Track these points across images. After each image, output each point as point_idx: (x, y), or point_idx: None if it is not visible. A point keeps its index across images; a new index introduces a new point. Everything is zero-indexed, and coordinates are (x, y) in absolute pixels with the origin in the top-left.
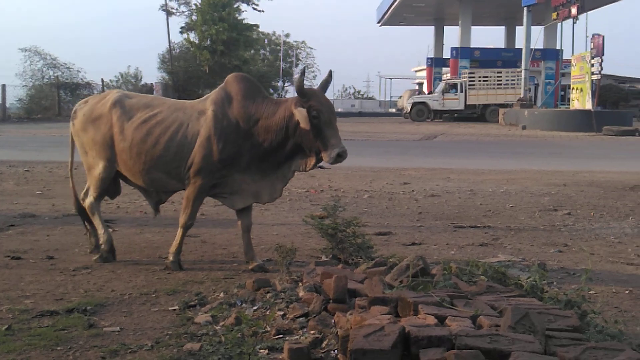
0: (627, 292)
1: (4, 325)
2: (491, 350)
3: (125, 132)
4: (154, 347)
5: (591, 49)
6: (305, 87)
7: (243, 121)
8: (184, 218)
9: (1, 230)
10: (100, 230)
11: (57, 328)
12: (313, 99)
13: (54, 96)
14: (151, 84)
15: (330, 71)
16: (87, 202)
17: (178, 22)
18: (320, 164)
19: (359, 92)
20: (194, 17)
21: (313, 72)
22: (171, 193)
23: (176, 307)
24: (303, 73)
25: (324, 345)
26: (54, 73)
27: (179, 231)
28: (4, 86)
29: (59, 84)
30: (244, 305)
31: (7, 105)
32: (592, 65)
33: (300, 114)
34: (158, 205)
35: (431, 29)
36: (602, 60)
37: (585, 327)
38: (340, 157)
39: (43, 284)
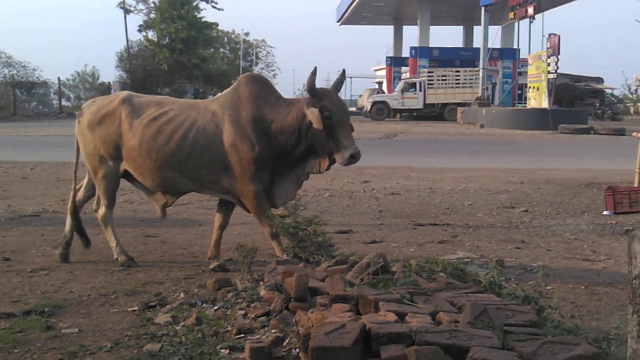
0: (582, 287)
1: None
2: (450, 346)
3: (135, 129)
4: (113, 349)
5: (547, 48)
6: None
7: (259, 122)
8: (268, 228)
9: None
10: (113, 244)
11: (14, 330)
12: (325, 99)
13: (9, 95)
14: (109, 82)
15: (344, 70)
16: (101, 213)
17: (136, 20)
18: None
19: None
20: (152, 15)
21: (273, 70)
22: (180, 194)
23: (136, 308)
24: (314, 73)
25: (285, 344)
26: (9, 72)
27: (274, 243)
28: None
29: (14, 82)
30: (204, 305)
31: None
32: (549, 65)
33: (312, 114)
34: (165, 207)
35: (390, 28)
36: (558, 60)
37: (542, 322)
38: (354, 158)
39: None
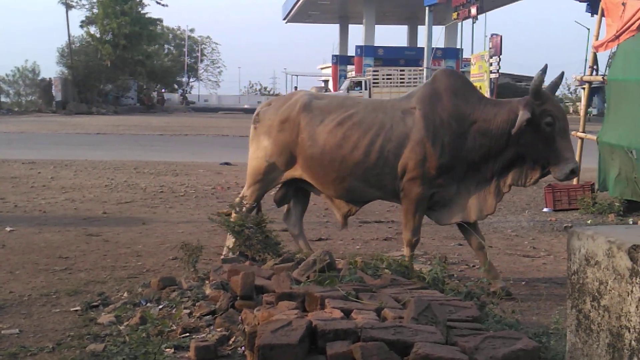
0: (523, 283)
1: None
2: (395, 341)
3: (317, 137)
4: (55, 349)
5: (490, 48)
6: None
7: (456, 122)
8: (408, 234)
9: None
10: (226, 252)
11: None
12: (548, 102)
13: None
14: (50, 78)
15: (562, 73)
16: (238, 215)
17: (78, 15)
18: (227, 161)
19: (265, 88)
20: (95, 11)
21: (219, 67)
22: (364, 203)
23: (78, 308)
24: (544, 71)
25: (231, 342)
26: None
27: (405, 250)
28: None
29: None
30: (149, 304)
31: None
32: (491, 64)
33: (521, 117)
34: (347, 217)
35: (336, 27)
36: (500, 60)
37: (484, 317)
38: (574, 173)
39: None
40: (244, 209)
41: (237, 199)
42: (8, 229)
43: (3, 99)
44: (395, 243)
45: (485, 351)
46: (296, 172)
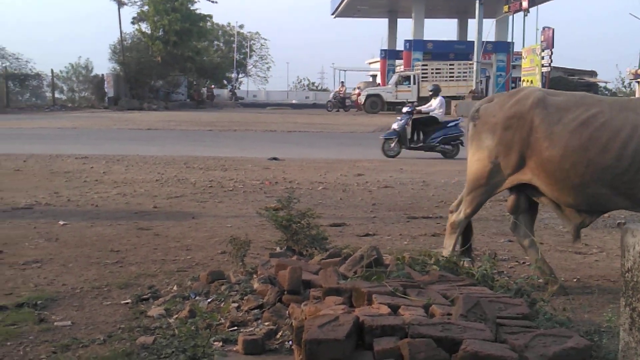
0: (575, 280)
1: None
2: (443, 338)
3: (556, 137)
4: (106, 341)
5: (541, 41)
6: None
7: None
8: None
9: None
10: (447, 250)
11: (6, 323)
12: None
13: (2, 87)
14: (102, 75)
15: None
16: (456, 218)
17: (130, 12)
18: (275, 156)
19: (313, 83)
20: (146, 8)
21: (267, 63)
22: (603, 213)
23: (129, 301)
24: None
25: (278, 336)
26: (2, 64)
27: None
28: None
29: (7, 74)
30: (197, 297)
31: None
32: (542, 58)
33: None
34: (579, 229)
35: (385, 21)
36: (552, 53)
37: (534, 315)
38: None
39: None
40: (461, 215)
41: (454, 204)
42: (61, 222)
43: (57, 95)
44: (444, 239)
45: (535, 349)
46: (525, 175)
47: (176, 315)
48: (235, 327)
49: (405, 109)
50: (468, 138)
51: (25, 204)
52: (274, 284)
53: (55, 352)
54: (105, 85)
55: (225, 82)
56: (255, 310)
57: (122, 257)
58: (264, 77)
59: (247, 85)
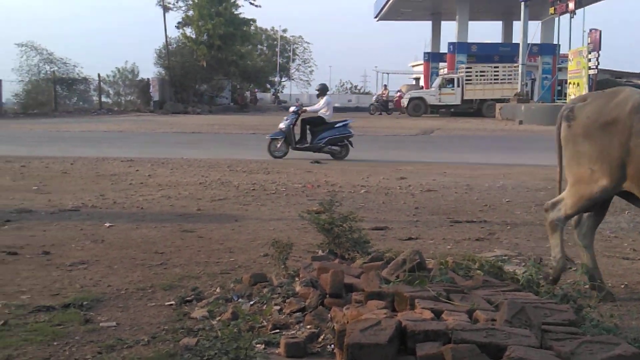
0: (622, 286)
1: (0, 321)
2: (487, 344)
3: None
4: (150, 342)
5: (588, 43)
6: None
7: None
8: None
9: None
10: (556, 252)
11: (53, 323)
12: None
13: (51, 91)
14: (147, 79)
15: None
16: (552, 215)
17: (175, 17)
18: (317, 160)
19: (355, 86)
20: (190, 13)
21: (310, 67)
22: None
23: (172, 302)
24: None
25: (320, 339)
26: (50, 68)
27: None
28: (0, 81)
29: (56, 79)
30: (240, 300)
31: (4, 100)
32: (589, 60)
33: None
34: None
35: (428, 24)
36: (599, 55)
37: (581, 321)
38: None
39: (39, 279)
40: (561, 213)
41: (549, 202)
42: (107, 224)
43: (104, 99)
44: (488, 243)
45: (581, 356)
46: (624, 183)
47: (219, 317)
48: (278, 330)
49: (291, 109)
50: (562, 138)
51: (73, 205)
52: (315, 287)
53: (100, 353)
54: (151, 89)
55: (268, 85)
56: (297, 313)
57: (166, 259)
58: (307, 80)
59: (290, 89)
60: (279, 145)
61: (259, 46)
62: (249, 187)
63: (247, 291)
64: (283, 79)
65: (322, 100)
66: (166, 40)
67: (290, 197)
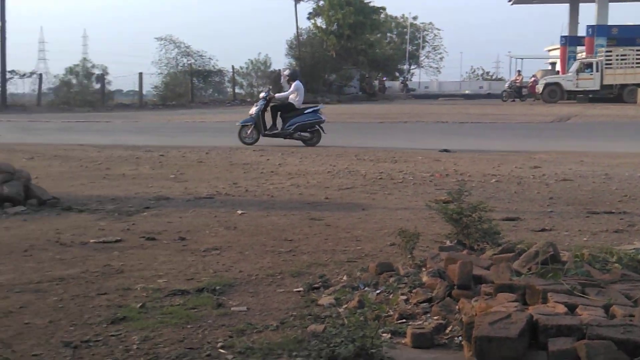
0: None
1: (138, 303)
2: (625, 341)
3: None
4: (279, 328)
5: None
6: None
7: None
8: None
9: (137, 212)
10: None
11: (187, 307)
12: None
13: (188, 83)
14: (279, 70)
15: None
16: None
17: (306, 8)
18: (445, 148)
19: (487, 73)
20: (321, 3)
21: (440, 53)
22: None
23: (300, 289)
24: None
25: (447, 331)
26: (187, 61)
27: None
28: (141, 74)
29: (192, 71)
30: (367, 288)
31: (144, 92)
32: None
33: None
34: None
35: (566, 7)
36: None
37: None
38: None
39: (175, 264)
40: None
41: None
42: (239, 212)
43: (237, 90)
44: (627, 236)
45: None
46: None
47: (345, 305)
48: (404, 320)
49: (261, 95)
50: None
51: (207, 193)
52: (443, 278)
53: (231, 337)
54: (282, 80)
55: (397, 74)
56: (424, 304)
57: (295, 246)
58: (437, 67)
59: (419, 77)
60: (249, 132)
61: (388, 34)
62: (376, 175)
63: (373, 280)
64: (412, 67)
65: (292, 86)
66: (297, 31)
67: (417, 186)
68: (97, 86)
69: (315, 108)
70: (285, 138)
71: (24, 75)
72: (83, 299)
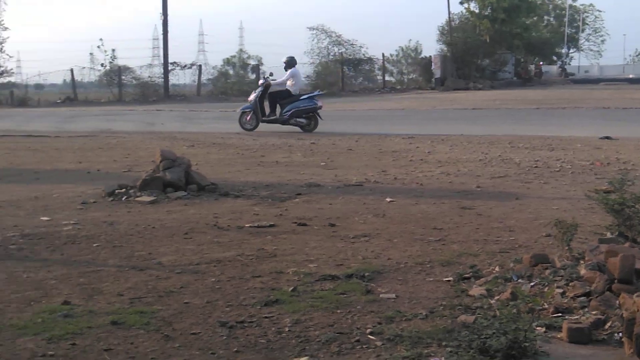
0: None
1: (290, 286)
2: None
3: None
4: (428, 317)
5: None
6: None
7: None
8: None
9: (289, 198)
10: None
11: (337, 292)
12: None
13: (338, 72)
14: (430, 56)
15: None
16: None
17: None
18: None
19: None
20: None
21: (601, 36)
22: None
23: (450, 279)
24: None
25: (606, 327)
26: (338, 50)
27: None
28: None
29: (343, 60)
30: (520, 280)
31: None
32: None
33: None
34: None
35: None
36: None
37: None
38: None
39: (325, 249)
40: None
41: None
42: (388, 199)
43: (387, 78)
44: None
45: None
46: None
47: (497, 297)
48: (560, 314)
49: (260, 82)
50: None
51: (357, 181)
52: (602, 271)
53: (380, 323)
54: (433, 67)
55: (554, 58)
56: (582, 298)
57: (444, 235)
58: (597, 51)
59: (579, 60)
60: (248, 118)
61: (545, 17)
62: (531, 164)
63: (527, 272)
64: (571, 51)
65: (288, 73)
66: (449, 17)
67: (576, 175)
68: (253, 76)
69: (311, 95)
70: (282, 124)
71: (185, 66)
72: (238, 280)
